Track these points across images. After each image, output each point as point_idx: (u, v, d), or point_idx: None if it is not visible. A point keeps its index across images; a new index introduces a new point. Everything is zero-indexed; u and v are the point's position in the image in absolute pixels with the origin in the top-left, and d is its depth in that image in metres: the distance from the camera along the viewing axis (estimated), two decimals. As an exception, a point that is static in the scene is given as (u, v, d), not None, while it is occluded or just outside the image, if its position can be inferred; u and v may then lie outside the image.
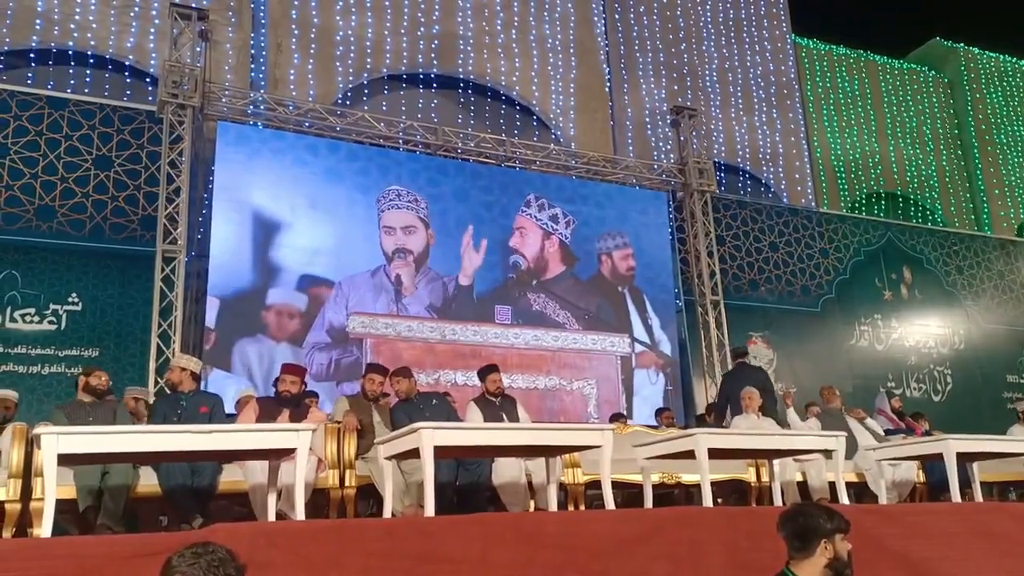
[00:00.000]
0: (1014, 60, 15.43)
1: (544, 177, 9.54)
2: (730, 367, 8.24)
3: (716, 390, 9.21)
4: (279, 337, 7.77)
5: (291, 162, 8.26)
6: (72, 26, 8.93)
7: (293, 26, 9.74)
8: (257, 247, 7.91)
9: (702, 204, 10.15)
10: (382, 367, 5.21)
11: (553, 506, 4.10)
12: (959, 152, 14.61)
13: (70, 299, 7.12)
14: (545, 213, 9.28)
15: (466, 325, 8.48)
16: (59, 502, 3.27)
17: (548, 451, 4.05)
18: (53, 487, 3.02)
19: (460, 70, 10.40)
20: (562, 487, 4.79)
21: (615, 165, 10.05)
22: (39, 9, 8.87)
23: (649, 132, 11.57)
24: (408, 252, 8.49)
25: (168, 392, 4.86)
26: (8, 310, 6.94)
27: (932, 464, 5.52)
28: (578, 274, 9.21)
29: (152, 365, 7.10)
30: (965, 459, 4.71)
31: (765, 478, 5.26)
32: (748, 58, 12.81)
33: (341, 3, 10.04)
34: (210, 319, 7.54)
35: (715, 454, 4.04)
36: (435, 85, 10.31)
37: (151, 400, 5.70)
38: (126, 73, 9.05)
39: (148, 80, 9.03)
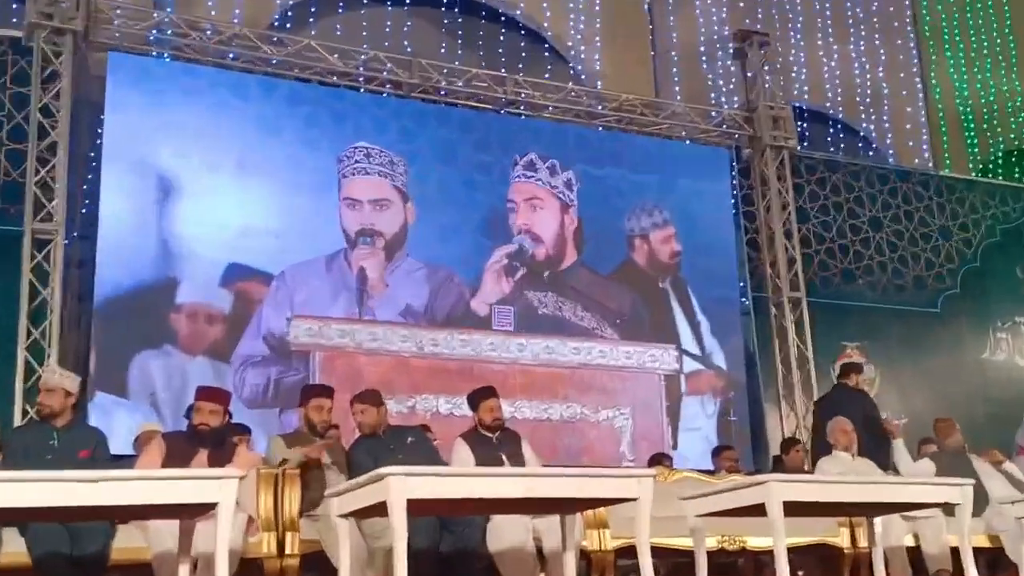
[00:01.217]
0: None
1: (559, 128, 9.52)
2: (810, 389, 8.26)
3: (800, 419, 9.23)
4: (195, 349, 7.76)
5: (211, 107, 8.25)
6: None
7: (213, -80, 9.71)
8: (164, 226, 7.89)
9: (777, 165, 10.16)
10: (328, 388, 5.23)
11: (571, 582, 4.10)
12: None
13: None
14: (559, 178, 9.29)
15: (452, 333, 8.49)
16: None
17: (564, 506, 4.04)
18: None
19: (443, -19, 10.39)
20: (583, 555, 4.80)
21: (657, 112, 10.05)
22: None
23: (704, 67, 11.47)
24: (378, 235, 8.50)
25: (35, 420, 4.85)
26: None
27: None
28: (593, 263, 9.25)
29: (19, 387, 7.09)
30: None
31: (863, 542, 5.26)
32: (841, -36, 12.76)
33: None
34: (98, 324, 7.54)
35: (794, 509, 4.00)
36: (409, 1, 10.25)
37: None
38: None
39: (13, -5, 9.01)
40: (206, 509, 3.33)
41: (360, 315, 8.27)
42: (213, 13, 9.16)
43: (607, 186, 9.40)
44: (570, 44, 10.67)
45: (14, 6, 8.83)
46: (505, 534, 4.66)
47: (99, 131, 8.07)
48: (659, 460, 7.50)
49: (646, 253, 9.45)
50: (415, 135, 8.89)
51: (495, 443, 5.10)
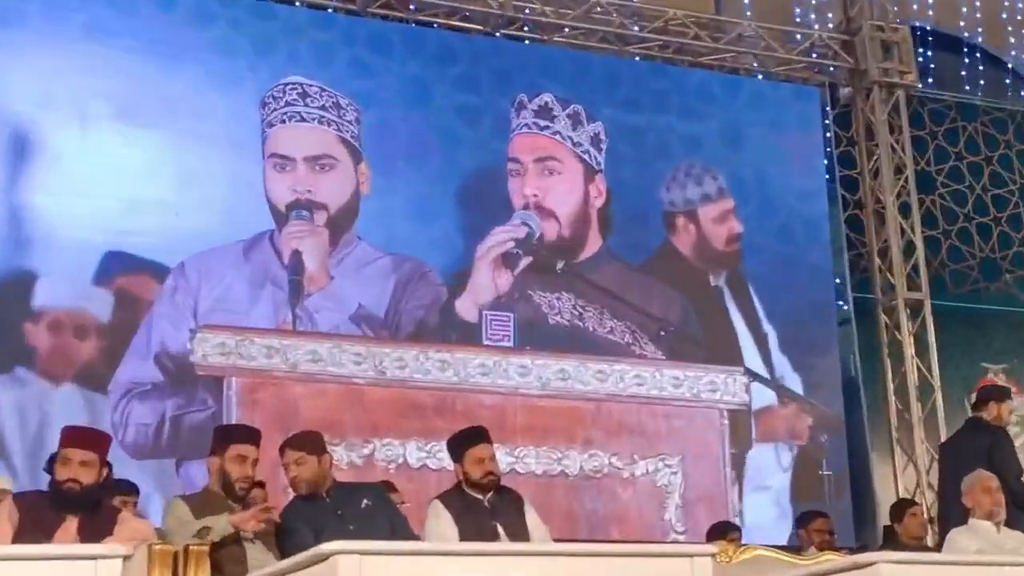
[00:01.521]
0: None
1: (580, 59, 9.47)
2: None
3: (921, 472, 9.21)
4: (60, 375, 7.75)
5: (82, 30, 8.24)
6: None
7: None
8: (14, 198, 7.89)
9: (889, 110, 10.16)
10: (254, 431, 5.20)
11: None
12: None
13: None
14: (584, 132, 9.24)
15: (425, 351, 8.46)
16: None
17: (587, 597, 4.03)
18: None
19: None
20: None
21: (718, 35, 10.07)
22: None
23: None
24: (317, 207, 8.50)
25: None
26: None
27: None
28: (625, 251, 9.25)
29: None
30: None
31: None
32: None
33: None
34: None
35: (914, 603, 4.01)
36: None
37: None
38: None
39: None
40: (76, 603, 3.32)
41: (294, 324, 8.23)
42: None
43: (646, 141, 9.40)
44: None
45: None
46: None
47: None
48: (723, 532, 7.46)
49: (692, 237, 9.47)
50: (372, 68, 8.88)
51: (487, 508, 5.08)
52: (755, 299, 9.49)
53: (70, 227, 7.94)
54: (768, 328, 9.46)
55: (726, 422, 9.07)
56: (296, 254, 8.34)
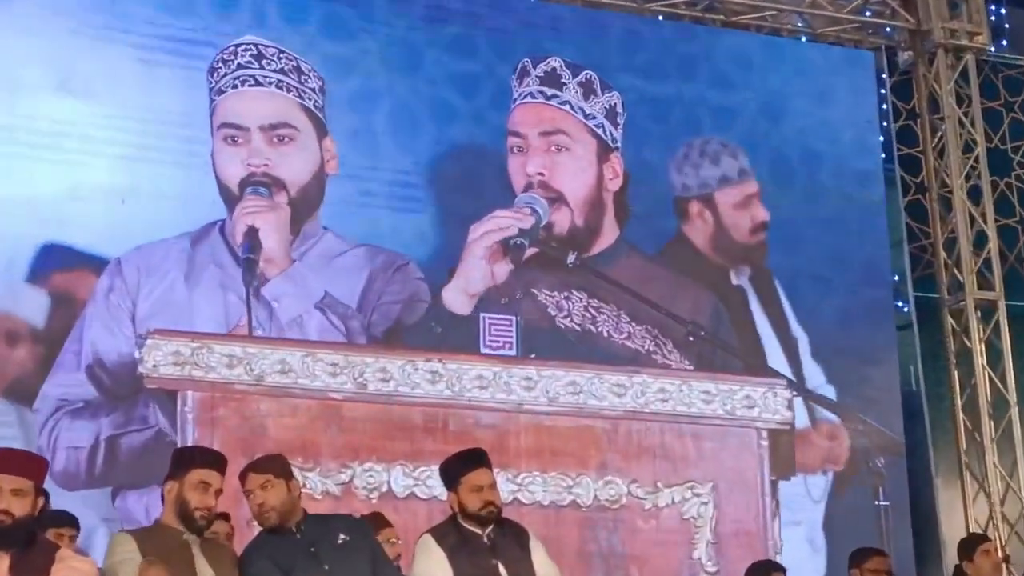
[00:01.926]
0: None
1: (594, 18, 9.48)
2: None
3: (995, 502, 9.20)
4: None
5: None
6: None
7: None
8: (-67, 181, 7.92)
9: (957, 78, 10.17)
10: (218, 455, 5.09)
11: None
12: None
13: None
14: (599, 102, 9.25)
15: (413, 359, 8.44)
16: None
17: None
18: None
19: None
20: None
21: (756, -11, 10.11)
22: None
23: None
24: (277, 185, 8.53)
25: None
26: None
27: None
28: (642, 243, 9.31)
29: None
30: None
31: None
32: None
33: None
34: None
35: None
36: None
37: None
38: None
39: None
40: (7, 654, 3.33)
41: (249, 318, 8.29)
42: None
43: (671, 114, 9.44)
44: None
45: None
46: None
47: None
48: (764, 573, 7.46)
49: (710, 226, 9.52)
50: (351, 29, 8.93)
51: (486, 544, 5.02)
52: (783, 299, 9.52)
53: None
54: (798, 333, 9.50)
55: (765, 443, 8.91)
56: (252, 232, 8.37)
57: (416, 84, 9.01)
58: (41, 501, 4.71)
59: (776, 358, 9.38)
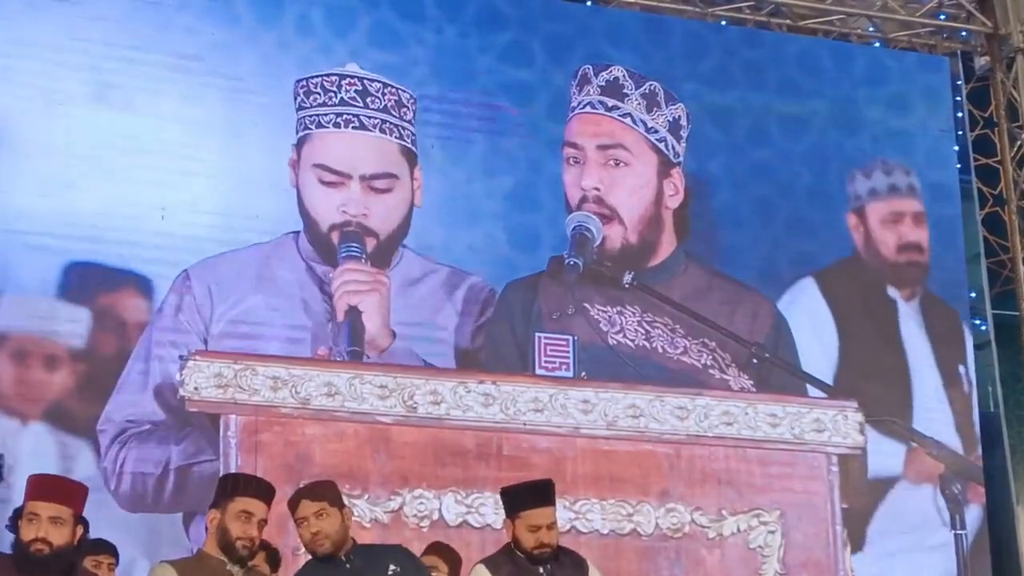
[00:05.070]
0: None
1: (655, 23, 9.53)
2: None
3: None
4: (26, 412, 7.87)
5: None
6: None
7: None
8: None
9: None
10: (264, 484, 5.14)
11: None
12: None
13: None
14: (662, 115, 9.19)
15: (465, 381, 8.39)
16: None
17: None
18: None
19: None
20: None
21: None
22: None
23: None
24: (369, 234, 8.69)
25: None
26: None
27: None
28: (706, 256, 9.39)
29: None
30: None
31: None
32: None
33: None
34: None
35: None
36: None
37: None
38: None
39: None
40: None
41: (332, 351, 8.45)
42: None
43: (736, 124, 9.43)
44: None
45: None
46: None
47: None
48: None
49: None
50: (400, 37, 9.05)
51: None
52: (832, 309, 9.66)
53: (37, 233, 8.08)
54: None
55: (835, 469, 8.88)
56: (353, 313, 8.51)
57: (468, 94, 9.16)
58: (80, 530, 4.71)
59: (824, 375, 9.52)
